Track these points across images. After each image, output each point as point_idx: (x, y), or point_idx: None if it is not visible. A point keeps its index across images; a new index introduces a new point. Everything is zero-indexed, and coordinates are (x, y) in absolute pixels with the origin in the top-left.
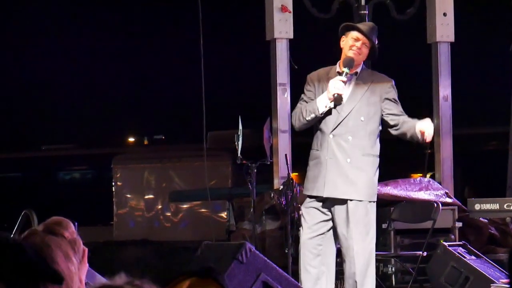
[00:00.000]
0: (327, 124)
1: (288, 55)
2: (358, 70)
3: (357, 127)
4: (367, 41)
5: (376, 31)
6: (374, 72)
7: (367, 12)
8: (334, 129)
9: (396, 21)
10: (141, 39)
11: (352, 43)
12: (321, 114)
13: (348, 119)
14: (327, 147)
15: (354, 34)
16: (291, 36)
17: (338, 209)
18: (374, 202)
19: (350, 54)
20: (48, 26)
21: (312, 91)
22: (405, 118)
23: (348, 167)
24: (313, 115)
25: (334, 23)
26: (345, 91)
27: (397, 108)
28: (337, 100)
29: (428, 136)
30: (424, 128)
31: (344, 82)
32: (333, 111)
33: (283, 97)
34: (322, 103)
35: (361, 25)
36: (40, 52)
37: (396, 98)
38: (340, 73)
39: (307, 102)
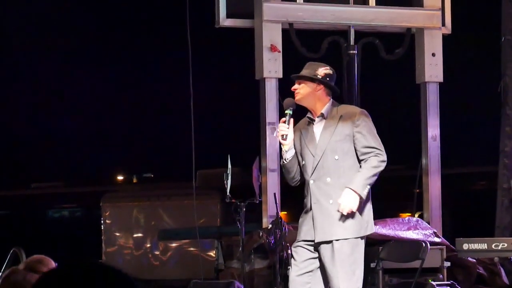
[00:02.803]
0: (307, 171)
1: (277, 94)
2: (323, 110)
3: (333, 167)
4: (297, 79)
5: (312, 64)
6: (344, 105)
7: (356, 52)
8: (312, 174)
9: (385, 61)
10: (130, 77)
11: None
12: (286, 159)
13: (323, 161)
14: (310, 193)
15: None
16: (281, 76)
17: (324, 249)
18: (363, 237)
19: None
20: (35, 64)
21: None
22: (364, 161)
23: (331, 208)
24: (282, 164)
25: (324, 63)
26: (289, 131)
27: (361, 143)
28: (287, 140)
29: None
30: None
31: (285, 122)
32: (309, 157)
33: (272, 136)
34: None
35: None
36: (28, 90)
37: (363, 130)
38: (310, 118)
39: None
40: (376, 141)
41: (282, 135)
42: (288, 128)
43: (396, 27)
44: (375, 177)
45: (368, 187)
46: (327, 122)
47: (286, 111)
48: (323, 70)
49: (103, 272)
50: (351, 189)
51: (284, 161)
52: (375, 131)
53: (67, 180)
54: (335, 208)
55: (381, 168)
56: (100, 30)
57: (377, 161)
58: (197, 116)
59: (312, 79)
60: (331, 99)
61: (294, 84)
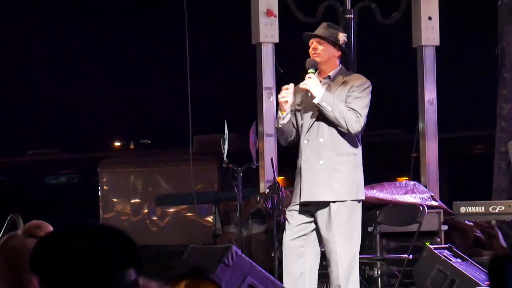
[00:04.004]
0: (303, 131)
1: (273, 59)
2: (331, 73)
3: (328, 128)
4: (317, 38)
5: (331, 26)
6: (351, 73)
7: (352, 16)
8: (307, 133)
9: (381, 25)
10: (126, 43)
11: (310, 49)
12: (281, 124)
13: (319, 121)
14: (303, 153)
15: (309, 42)
16: (277, 40)
17: (321, 213)
18: (358, 201)
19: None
20: (33, 30)
21: (293, 102)
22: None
23: (321, 169)
24: (277, 128)
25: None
26: (289, 97)
27: (348, 103)
28: (286, 105)
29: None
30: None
31: (287, 89)
32: (307, 117)
33: (269, 101)
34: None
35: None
36: (24, 56)
37: (354, 94)
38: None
39: None
40: (361, 109)
41: (286, 101)
42: (289, 94)
43: None
44: (335, 116)
45: (328, 108)
46: (330, 84)
47: (309, 70)
48: (343, 36)
49: (104, 233)
50: (325, 92)
51: (279, 125)
52: (366, 102)
53: (64, 146)
54: (325, 169)
55: (347, 124)
56: None
57: (353, 117)
58: (194, 82)
59: (334, 43)
60: (341, 65)
61: (308, 42)
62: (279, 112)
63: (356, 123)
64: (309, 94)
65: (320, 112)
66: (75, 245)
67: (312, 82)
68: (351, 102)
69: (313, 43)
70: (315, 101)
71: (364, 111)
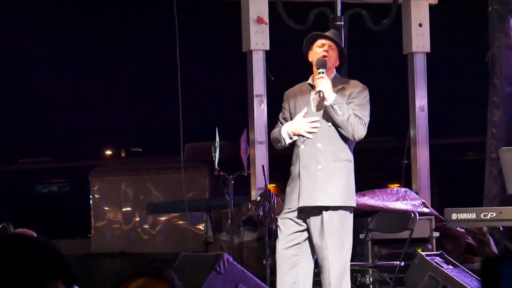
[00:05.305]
0: (299, 137)
1: (264, 66)
2: (330, 77)
3: (326, 134)
4: (332, 43)
5: (339, 37)
6: (347, 79)
7: (343, 23)
8: (304, 139)
9: (372, 32)
10: (117, 50)
11: (320, 50)
12: (288, 144)
13: (316, 127)
14: (300, 158)
15: (318, 42)
16: (268, 48)
17: (314, 220)
18: (351, 208)
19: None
20: (22, 38)
21: (286, 109)
22: None
23: (319, 174)
24: (280, 144)
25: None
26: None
27: (353, 111)
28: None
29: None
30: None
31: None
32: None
33: (260, 109)
34: (287, 134)
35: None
36: (15, 64)
37: (356, 101)
38: (310, 85)
39: (281, 123)
40: (365, 116)
41: (320, 91)
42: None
43: None
44: (343, 120)
45: (339, 112)
46: None
47: (319, 70)
48: (341, 43)
49: (24, 245)
50: (336, 95)
51: (286, 145)
52: (368, 110)
53: (55, 155)
54: (323, 174)
55: (353, 129)
56: (87, 3)
57: (359, 124)
58: (185, 89)
59: (341, 51)
60: (336, 72)
61: (314, 42)
62: (290, 136)
63: (361, 130)
64: (321, 95)
65: (327, 115)
66: None
67: (325, 84)
68: (354, 109)
69: (325, 44)
70: (327, 103)
71: (368, 119)
